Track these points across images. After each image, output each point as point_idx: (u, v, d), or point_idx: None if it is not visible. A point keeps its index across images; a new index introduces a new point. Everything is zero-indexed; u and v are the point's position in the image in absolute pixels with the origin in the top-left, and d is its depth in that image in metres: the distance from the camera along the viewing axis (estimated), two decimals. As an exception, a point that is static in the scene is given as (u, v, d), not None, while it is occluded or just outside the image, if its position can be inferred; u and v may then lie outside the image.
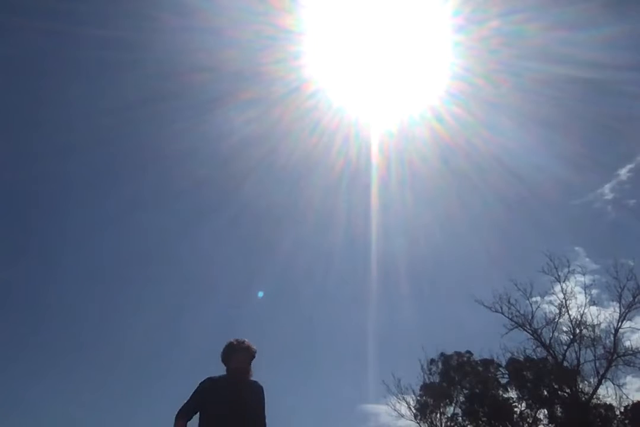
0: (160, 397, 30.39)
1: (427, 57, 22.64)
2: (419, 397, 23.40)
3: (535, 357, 22.27)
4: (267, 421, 3.94)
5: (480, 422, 22.84)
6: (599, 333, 21.06)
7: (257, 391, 4.00)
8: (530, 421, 22.50)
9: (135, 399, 29.59)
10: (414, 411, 22.94)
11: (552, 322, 21.71)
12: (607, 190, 27.52)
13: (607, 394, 20.50)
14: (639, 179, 27.12)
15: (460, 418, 23.28)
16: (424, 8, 20.81)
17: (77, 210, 32.08)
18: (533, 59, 20.81)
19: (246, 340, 4.12)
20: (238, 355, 4.02)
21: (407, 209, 26.81)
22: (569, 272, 22.16)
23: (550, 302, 22.50)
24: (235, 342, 4.08)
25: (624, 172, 26.85)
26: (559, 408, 22.18)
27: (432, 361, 24.24)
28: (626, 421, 21.11)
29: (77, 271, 33.23)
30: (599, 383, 20.32)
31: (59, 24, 19.68)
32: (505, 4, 20.77)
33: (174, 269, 34.83)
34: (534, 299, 22.10)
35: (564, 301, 21.91)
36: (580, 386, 21.06)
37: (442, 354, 24.46)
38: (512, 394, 23.42)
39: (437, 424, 22.98)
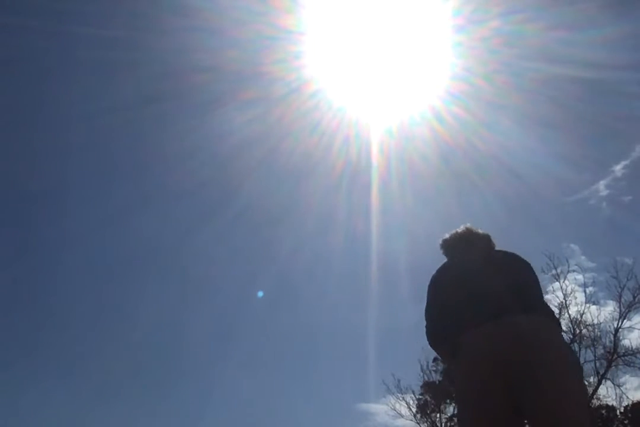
0: (160, 397, 30.52)
1: (427, 57, 22.59)
2: (420, 396, 23.45)
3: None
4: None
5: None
6: (598, 333, 21.11)
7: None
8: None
9: (135, 399, 29.70)
10: (414, 410, 23.00)
11: (552, 322, 21.75)
12: (602, 187, 27.51)
13: (607, 394, 20.58)
14: (634, 175, 27.09)
15: (460, 418, 23.31)
16: (424, 8, 20.78)
17: (77, 210, 32.06)
18: (533, 59, 20.78)
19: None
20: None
21: (408, 209, 26.79)
22: (568, 271, 22.20)
23: (549, 302, 22.50)
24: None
25: (619, 169, 26.83)
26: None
27: (435, 359, 24.30)
28: (626, 421, 21.19)
29: (76, 271, 33.27)
30: (599, 383, 20.37)
31: (59, 24, 19.62)
32: (506, 4, 20.74)
33: (174, 269, 34.86)
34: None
35: (564, 300, 21.97)
36: (580, 386, 21.13)
37: (447, 353, 24.49)
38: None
39: (437, 424, 23.05)
